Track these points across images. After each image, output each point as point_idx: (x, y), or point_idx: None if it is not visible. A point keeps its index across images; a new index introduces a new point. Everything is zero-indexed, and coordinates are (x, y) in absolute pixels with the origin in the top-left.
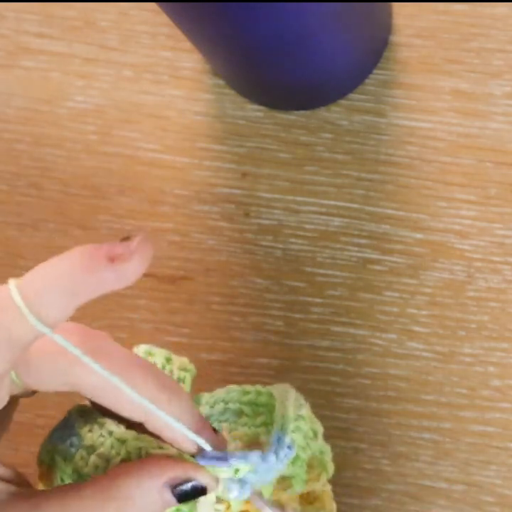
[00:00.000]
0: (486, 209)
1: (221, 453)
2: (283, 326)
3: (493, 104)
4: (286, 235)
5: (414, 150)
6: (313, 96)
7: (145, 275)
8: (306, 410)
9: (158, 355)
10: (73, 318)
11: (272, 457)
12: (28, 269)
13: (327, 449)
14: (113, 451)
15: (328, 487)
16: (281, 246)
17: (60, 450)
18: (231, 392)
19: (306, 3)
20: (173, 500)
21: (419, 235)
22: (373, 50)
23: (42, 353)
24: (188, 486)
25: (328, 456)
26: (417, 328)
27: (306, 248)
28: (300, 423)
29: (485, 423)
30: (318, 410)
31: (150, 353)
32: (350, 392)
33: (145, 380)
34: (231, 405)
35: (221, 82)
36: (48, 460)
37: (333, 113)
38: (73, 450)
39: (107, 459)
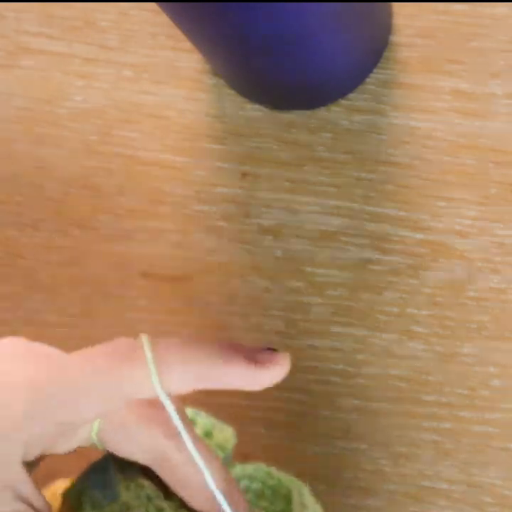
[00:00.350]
0: (486, 209)
1: None
2: (283, 326)
3: (493, 104)
4: (286, 235)
5: (414, 150)
6: (313, 96)
7: (145, 275)
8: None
9: (199, 426)
10: (73, 320)
11: None
12: (28, 269)
13: None
14: None
15: None
16: (281, 246)
17: (91, 495)
18: (259, 471)
19: (306, 3)
20: None
21: (419, 235)
22: (373, 50)
23: (141, 420)
24: None
25: None
26: (417, 328)
27: (306, 248)
28: None
29: (485, 423)
30: (318, 410)
31: (193, 420)
32: (350, 392)
33: (220, 472)
34: (255, 485)
35: (221, 82)
36: (74, 500)
37: (333, 113)
38: (105, 502)
39: None
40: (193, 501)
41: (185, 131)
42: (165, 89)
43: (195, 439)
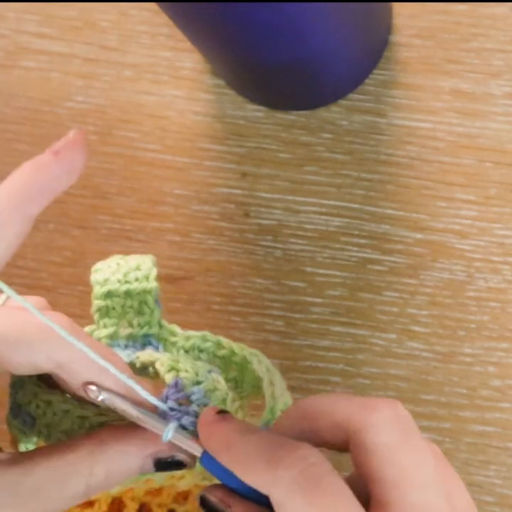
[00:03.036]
0: (486, 209)
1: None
2: (283, 326)
3: (493, 104)
4: (286, 235)
5: (414, 150)
6: (313, 96)
7: None
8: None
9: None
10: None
11: None
12: (28, 269)
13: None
14: (75, 426)
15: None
16: (281, 246)
17: (16, 425)
18: (207, 342)
19: (306, 3)
20: (153, 469)
21: (419, 235)
22: (373, 50)
23: (30, 333)
24: (169, 459)
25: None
26: (417, 328)
27: (306, 248)
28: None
29: (485, 423)
30: None
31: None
32: (350, 392)
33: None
34: (204, 356)
35: (221, 82)
36: (11, 430)
37: (333, 113)
38: (28, 427)
39: (70, 433)
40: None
41: (185, 131)
42: (165, 89)
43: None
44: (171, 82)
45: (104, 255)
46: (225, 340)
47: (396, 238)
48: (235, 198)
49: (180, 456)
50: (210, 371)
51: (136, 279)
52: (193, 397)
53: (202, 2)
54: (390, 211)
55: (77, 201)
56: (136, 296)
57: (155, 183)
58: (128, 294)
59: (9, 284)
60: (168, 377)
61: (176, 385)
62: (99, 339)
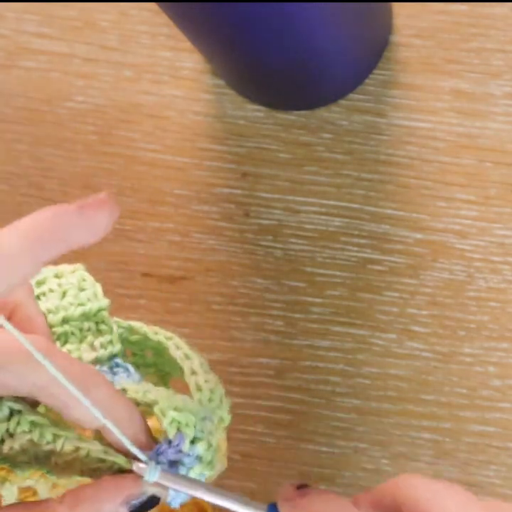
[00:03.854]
0: (486, 209)
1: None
2: (283, 326)
3: (493, 104)
4: (286, 235)
5: (414, 150)
6: (313, 96)
7: (145, 275)
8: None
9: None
10: None
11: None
12: None
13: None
14: (35, 437)
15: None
16: (281, 246)
17: None
18: (119, 329)
19: (306, 3)
20: None
21: (419, 235)
22: (373, 50)
23: (6, 354)
24: (142, 498)
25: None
26: (417, 328)
27: (306, 248)
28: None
29: (485, 423)
30: (318, 410)
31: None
32: (350, 392)
33: (101, 390)
34: (117, 347)
35: (221, 82)
36: None
37: (333, 113)
38: None
39: (33, 444)
40: (76, 415)
41: (185, 131)
42: (165, 89)
43: (66, 359)
44: (171, 82)
45: (104, 255)
46: (137, 325)
47: (396, 238)
48: (235, 198)
49: (151, 491)
50: (204, 418)
51: (88, 299)
52: (185, 460)
53: (202, 2)
54: (390, 211)
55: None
56: (92, 317)
57: (155, 183)
58: (84, 315)
59: None
60: (170, 432)
61: (178, 445)
62: None
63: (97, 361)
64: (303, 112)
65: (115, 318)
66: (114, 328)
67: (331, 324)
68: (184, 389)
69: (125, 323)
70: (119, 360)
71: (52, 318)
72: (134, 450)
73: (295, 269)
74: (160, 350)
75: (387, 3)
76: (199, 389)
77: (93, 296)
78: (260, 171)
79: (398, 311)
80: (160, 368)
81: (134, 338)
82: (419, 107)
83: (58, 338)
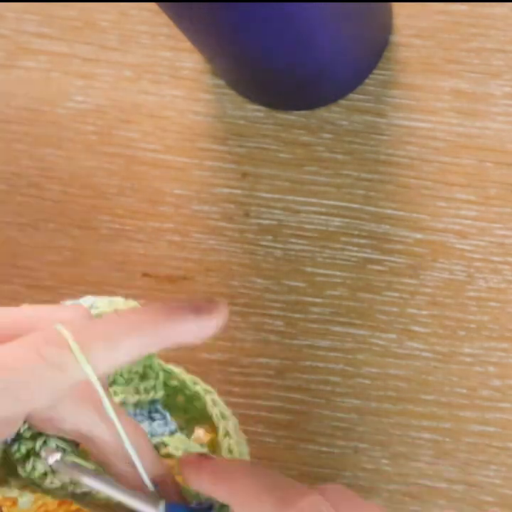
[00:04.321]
0: (486, 209)
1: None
2: (283, 326)
3: (493, 104)
4: (286, 235)
5: (414, 150)
6: (313, 96)
7: (145, 275)
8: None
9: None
10: None
11: None
12: (28, 269)
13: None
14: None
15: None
16: (281, 246)
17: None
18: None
19: (306, 3)
20: None
21: (419, 235)
22: (373, 50)
23: (72, 399)
24: None
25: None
26: (417, 328)
27: (306, 248)
28: None
29: (485, 423)
30: (318, 410)
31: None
32: (350, 392)
33: (146, 449)
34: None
35: (221, 82)
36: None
37: (333, 113)
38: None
39: (73, 483)
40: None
41: (185, 131)
42: (165, 89)
43: (123, 418)
44: (171, 82)
45: (104, 255)
46: (177, 371)
47: (396, 238)
48: (235, 198)
49: None
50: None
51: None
52: None
53: (202, 2)
54: (390, 211)
55: (77, 201)
56: (140, 361)
57: (155, 183)
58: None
59: (9, 284)
60: (203, 496)
61: (210, 509)
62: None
63: (138, 405)
64: (303, 112)
65: (158, 360)
66: (160, 375)
67: (331, 324)
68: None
69: (167, 366)
70: (159, 406)
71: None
72: (145, 478)
73: (295, 269)
74: (193, 398)
75: (387, 3)
76: (230, 451)
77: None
78: (260, 171)
79: (398, 311)
80: (189, 414)
81: (172, 382)
82: (419, 107)
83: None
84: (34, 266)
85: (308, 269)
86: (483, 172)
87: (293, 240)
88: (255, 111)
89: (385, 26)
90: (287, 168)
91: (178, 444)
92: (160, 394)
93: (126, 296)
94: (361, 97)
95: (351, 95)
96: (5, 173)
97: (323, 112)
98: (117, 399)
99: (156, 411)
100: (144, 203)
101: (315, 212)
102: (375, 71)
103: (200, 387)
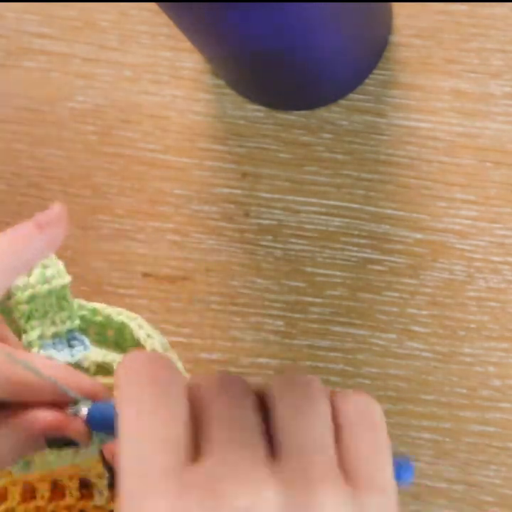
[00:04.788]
0: (486, 209)
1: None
2: (283, 326)
3: (493, 104)
4: (286, 235)
5: (414, 150)
6: (313, 96)
7: (145, 275)
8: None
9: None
10: None
11: None
12: None
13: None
14: None
15: None
16: (281, 246)
17: None
18: (83, 311)
19: (305, 3)
20: (44, 445)
21: (419, 235)
22: (373, 50)
23: None
24: (60, 437)
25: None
26: (417, 328)
27: (306, 248)
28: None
29: (485, 423)
30: None
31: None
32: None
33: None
34: (83, 324)
35: (221, 82)
36: None
37: (333, 113)
38: None
39: None
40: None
41: (185, 131)
42: (165, 89)
43: (28, 355)
44: (171, 82)
45: (104, 255)
46: (101, 306)
47: (396, 238)
48: (235, 198)
49: (73, 435)
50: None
51: (53, 277)
52: None
53: (202, 2)
54: (390, 211)
55: (77, 201)
56: (55, 294)
57: (155, 183)
58: (50, 292)
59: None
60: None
61: None
62: (30, 343)
63: (56, 335)
64: (303, 112)
65: (80, 300)
66: (75, 304)
67: (331, 324)
68: None
69: (89, 305)
70: (76, 334)
71: (20, 296)
72: (63, 387)
73: (295, 269)
74: (122, 330)
75: (387, 3)
76: None
77: (57, 273)
78: (260, 171)
79: (398, 311)
80: (121, 348)
81: (97, 319)
82: (419, 107)
83: (23, 316)
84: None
85: (308, 269)
86: (483, 172)
87: (293, 240)
88: (255, 111)
89: (385, 26)
90: (287, 168)
91: (97, 352)
92: (76, 322)
93: (127, 296)
94: (361, 97)
95: (351, 95)
96: (5, 173)
97: (323, 112)
98: (35, 333)
99: (75, 338)
100: (144, 203)
101: (315, 212)
102: (375, 71)
103: (124, 316)
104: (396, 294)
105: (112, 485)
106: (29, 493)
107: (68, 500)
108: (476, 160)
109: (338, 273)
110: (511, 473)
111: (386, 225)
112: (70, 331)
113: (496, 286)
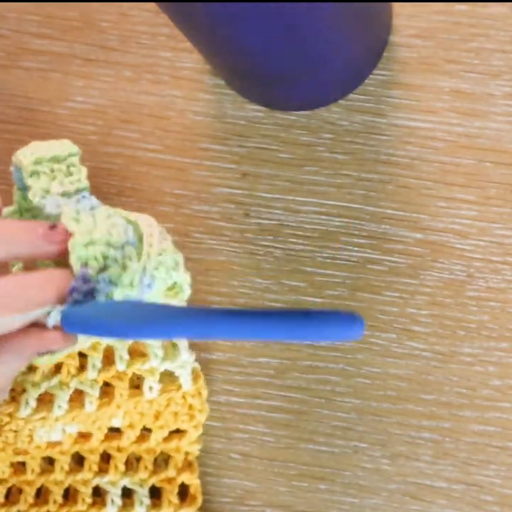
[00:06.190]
0: (485, 209)
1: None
2: None
3: (493, 104)
4: (286, 235)
5: (414, 150)
6: (313, 96)
7: None
8: (168, 243)
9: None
10: None
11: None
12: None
13: (186, 277)
14: None
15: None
16: (281, 246)
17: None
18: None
19: (306, 3)
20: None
21: (419, 235)
22: (373, 50)
23: None
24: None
25: (186, 283)
26: (417, 328)
27: (306, 248)
28: (163, 258)
29: (485, 423)
30: (318, 410)
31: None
32: (350, 392)
33: None
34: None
35: (221, 82)
36: None
37: (333, 113)
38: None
39: None
40: None
41: (185, 131)
42: (165, 89)
43: None
44: (171, 82)
45: None
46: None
47: (396, 238)
48: (235, 198)
49: (55, 348)
50: (123, 246)
51: (60, 146)
52: (98, 287)
53: (202, 2)
54: (390, 211)
55: None
56: (63, 161)
57: (155, 183)
58: (55, 158)
59: None
60: (75, 268)
61: (83, 279)
62: (33, 194)
63: (64, 194)
64: (303, 112)
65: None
66: (84, 170)
67: None
68: None
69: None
70: (86, 194)
71: (27, 159)
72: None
73: (295, 269)
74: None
75: (387, 3)
76: (150, 245)
77: (65, 145)
78: (260, 171)
79: (398, 311)
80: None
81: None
82: (419, 107)
83: (31, 175)
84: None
85: (308, 269)
86: (483, 172)
87: (293, 240)
88: (255, 111)
89: (384, 26)
90: (287, 168)
91: (77, 243)
92: (84, 184)
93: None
94: (361, 97)
95: (351, 95)
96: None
97: (323, 112)
98: (39, 185)
99: (84, 198)
100: (144, 203)
101: (315, 212)
102: (375, 71)
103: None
104: (396, 294)
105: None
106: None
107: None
108: (475, 160)
109: (338, 273)
110: (511, 473)
111: (386, 225)
112: (79, 191)
113: (496, 286)
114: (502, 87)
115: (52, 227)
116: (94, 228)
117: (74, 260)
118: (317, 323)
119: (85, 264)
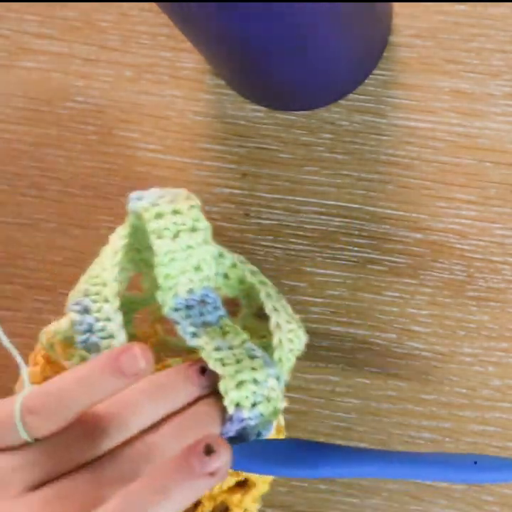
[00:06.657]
0: (485, 209)
1: None
2: None
3: (493, 104)
4: (286, 235)
5: (414, 150)
6: (313, 96)
7: None
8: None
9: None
10: None
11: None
12: (28, 269)
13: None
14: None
15: None
16: (281, 246)
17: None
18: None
19: (305, 3)
20: None
21: (419, 235)
22: (373, 50)
23: None
24: None
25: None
26: (417, 328)
27: (306, 248)
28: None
29: (485, 423)
30: (318, 410)
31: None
32: (350, 392)
33: None
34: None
35: (221, 82)
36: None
37: (333, 113)
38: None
39: None
40: None
41: (185, 131)
42: (165, 89)
43: None
44: (171, 82)
45: None
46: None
47: (396, 238)
48: (235, 198)
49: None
50: (266, 379)
51: (198, 244)
52: (251, 423)
53: (202, 2)
54: (390, 211)
55: (77, 201)
56: (194, 255)
57: (155, 183)
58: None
59: (9, 284)
60: (230, 410)
61: (238, 420)
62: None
63: (190, 291)
64: (303, 112)
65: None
66: (213, 269)
67: (331, 324)
68: None
69: (230, 256)
70: (210, 292)
71: (147, 214)
72: None
73: (295, 269)
74: (250, 289)
75: (387, 3)
76: (280, 344)
77: (203, 240)
78: (260, 171)
79: (398, 311)
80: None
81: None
82: (419, 107)
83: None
84: (34, 266)
85: (308, 269)
86: (483, 172)
87: (293, 240)
88: (255, 111)
89: (384, 26)
90: (287, 168)
91: (228, 385)
92: (212, 283)
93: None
94: (361, 97)
95: (351, 95)
96: (5, 173)
97: (323, 112)
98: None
99: (207, 296)
100: None
101: (315, 212)
102: (375, 71)
103: (257, 279)
104: (396, 294)
105: None
106: None
107: None
108: (475, 160)
109: (338, 273)
110: None
111: (386, 225)
112: (205, 287)
113: (496, 286)
114: (502, 87)
115: (203, 370)
116: (240, 367)
117: (228, 403)
118: (489, 472)
119: (237, 405)
